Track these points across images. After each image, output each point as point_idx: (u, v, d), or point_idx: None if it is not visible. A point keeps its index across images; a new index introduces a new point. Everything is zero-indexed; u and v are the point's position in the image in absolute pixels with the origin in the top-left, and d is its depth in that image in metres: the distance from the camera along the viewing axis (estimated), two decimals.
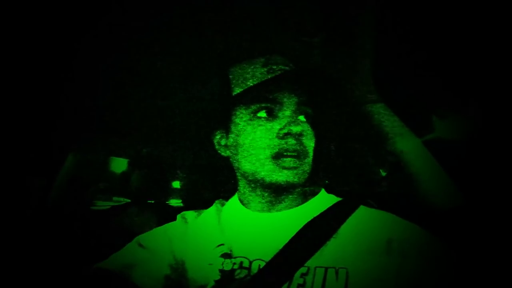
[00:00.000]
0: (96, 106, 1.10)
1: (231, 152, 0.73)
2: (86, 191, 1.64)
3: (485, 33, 0.75)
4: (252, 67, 0.70)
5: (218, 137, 0.76)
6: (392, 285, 0.57)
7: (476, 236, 0.61)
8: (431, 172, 0.70)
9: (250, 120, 0.68)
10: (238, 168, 0.72)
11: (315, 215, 0.66)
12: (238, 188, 0.75)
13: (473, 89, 0.81)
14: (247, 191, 0.72)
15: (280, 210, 0.69)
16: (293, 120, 0.66)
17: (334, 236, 0.63)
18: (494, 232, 0.61)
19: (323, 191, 0.74)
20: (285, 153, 0.65)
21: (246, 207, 0.72)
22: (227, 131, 0.73)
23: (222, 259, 0.64)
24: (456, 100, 0.84)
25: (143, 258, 0.71)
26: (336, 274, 0.59)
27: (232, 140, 0.71)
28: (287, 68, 0.70)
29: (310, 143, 0.68)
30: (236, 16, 0.76)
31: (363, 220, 0.65)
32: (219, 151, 0.76)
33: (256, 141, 0.66)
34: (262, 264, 0.63)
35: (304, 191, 0.73)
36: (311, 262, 0.61)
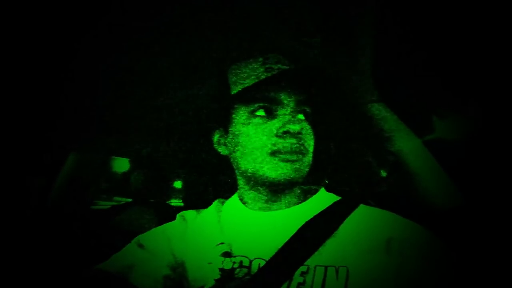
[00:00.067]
0: (96, 106, 1.10)
1: (230, 151, 0.73)
2: (86, 191, 1.65)
3: (485, 33, 0.75)
4: (251, 66, 0.71)
5: (217, 136, 0.76)
6: (392, 285, 0.57)
7: (475, 235, 0.61)
8: (431, 172, 0.70)
9: (249, 119, 0.68)
10: (238, 167, 0.72)
11: (315, 214, 0.67)
12: (238, 186, 0.75)
13: (473, 89, 0.81)
14: (246, 190, 0.72)
15: (280, 208, 0.70)
16: (292, 118, 0.67)
17: (333, 235, 0.63)
18: (494, 232, 0.61)
19: (323, 189, 0.74)
20: (284, 151, 0.65)
21: (246, 205, 0.72)
22: (226, 130, 0.73)
23: (222, 258, 0.64)
24: (456, 100, 0.84)
25: (142, 258, 0.71)
26: (336, 273, 0.59)
27: (231, 139, 0.72)
28: (286, 67, 0.70)
29: (309, 142, 0.68)
30: (236, 16, 0.76)
31: (363, 219, 0.65)
32: (218, 150, 0.76)
33: (255, 140, 0.66)
34: (262, 263, 0.63)
35: (303, 189, 0.73)
36: (311, 261, 0.61)
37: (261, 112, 0.68)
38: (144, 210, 1.55)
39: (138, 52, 0.86)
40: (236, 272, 0.63)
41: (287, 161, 0.65)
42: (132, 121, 1.27)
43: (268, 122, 0.67)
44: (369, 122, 0.72)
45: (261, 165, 0.66)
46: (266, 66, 0.69)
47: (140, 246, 0.72)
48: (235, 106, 0.70)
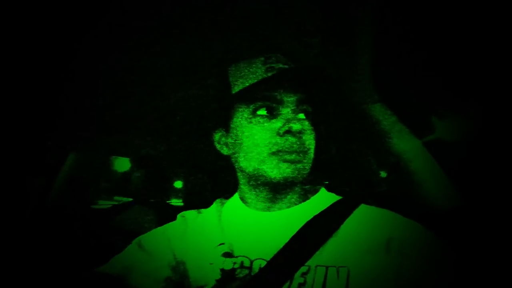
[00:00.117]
0: (96, 106, 1.09)
1: (231, 150, 0.73)
2: (86, 191, 1.64)
3: (485, 33, 0.75)
4: (251, 65, 0.70)
5: (218, 135, 0.76)
6: (392, 285, 0.57)
7: (475, 236, 0.61)
8: (430, 172, 0.70)
9: (250, 118, 0.68)
10: (239, 167, 0.72)
11: (315, 214, 0.66)
12: (239, 186, 0.75)
13: (473, 89, 0.81)
14: (247, 190, 0.72)
15: (281, 208, 0.70)
16: (293, 118, 0.67)
17: (334, 234, 0.63)
18: (494, 231, 0.61)
19: (323, 189, 0.74)
20: (285, 150, 0.65)
21: (246, 205, 0.72)
22: (227, 129, 0.73)
23: (223, 259, 0.64)
24: (456, 100, 0.84)
25: (143, 259, 0.70)
26: (337, 273, 0.59)
27: (232, 138, 0.72)
28: (286, 66, 0.70)
29: (310, 141, 0.68)
30: (236, 16, 0.76)
31: (363, 219, 0.65)
32: (219, 150, 0.76)
33: (257, 139, 0.66)
34: (263, 263, 0.63)
35: (304, 189, 0.73)
36: (311, 261, 0.61)
37: (262, 111, 0.67)
38: (144, 210, 1.55)
39: (138, 52, 0.86)
40: (237, 273, 0.63)
41: (289, 161, 0.65)
42: (132, 121, 1.27)
43: (270, 121, 0.67)
44: (368, 122, 0.72)
45: (263, 164, 0.66)
46: (267, 65, 0.69)
47: (141, 247, 0.72)
48: (236, 105, 0.70)
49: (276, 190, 0.69)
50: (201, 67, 0.91)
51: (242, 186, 0.74)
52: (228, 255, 0.65)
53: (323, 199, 0.71)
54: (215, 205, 0.77)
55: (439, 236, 0.60)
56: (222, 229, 0.71)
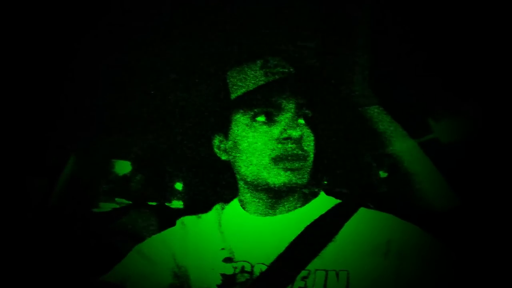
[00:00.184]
0: (96, 106, 1.10)
1: (230, 156, 0.72)
2: (87, 192, 1.65)
3: (485, 33, 0.75)
4: (249, 70, 0.69)
5: (217, 141, 0.75)
6: (392, 287, 0.57)
7: (475, 237, 0.61)
8: (427, 174, 0.70)
9: (250, 124, 0.67)
10: (238, 172, 0.71)
11: (315, 218, 0.66)
12: (239, 191, 0.74)
13: (472, 89, 0.81)
14: (247, 195, 0.71)
15: (281, 213, 0.69)
16: (292, 124, 0.65)
17: (334, 238, 0.63)
18: (493, 232, 0.61)
19: (322, 193, 0.73)
20: (285, 157, 0.64)
21: (246, 210, 0.72)
22: (226, 135, 0.72)
23: (224, 264, 0.64)
24: (456, 100, 0.84)
25: (144, 267, 0.70)
26: (337, 276, 0.59)
27: (231, 144, 0.71)
28: (285, 70, 0.69)
29: (310, 146, 0.67)
30: (236, 17, 0.76)
31: (362, 222, 0.65)
32: (218, 155, 0.75)
33: (256, 146, 0.65)
34: (264, 268, 0.62)
35: (304, 193, 0.73)
36: (311, 265, 0.60)
37: (262, 118, 0.66)
38: (144, 212, 1.55)
39: (138, 52, 0.86)
40: (238, 277, 0.62)
41: (289, 168, 0.64)
42: (132, 121, 1.27)
43: (269, 128, 0.66)
44: (366, 124, 0.72)
45: (262, 171, 0.65)
46: (265, 70, 0.68)
47: (141, 254, 0.71)
48: (235, 111, 0.69)
49: (276, 196, 0.68)
50: (201, 67, 0.91)
51: (241, 191, 0.73)
52: (229, 260, 0.64)
53: (323, 203, 0.71)
54: (215, 210, 0.77)
55: (438, 238, 0.60)
56: (223, 234, 0.70)
